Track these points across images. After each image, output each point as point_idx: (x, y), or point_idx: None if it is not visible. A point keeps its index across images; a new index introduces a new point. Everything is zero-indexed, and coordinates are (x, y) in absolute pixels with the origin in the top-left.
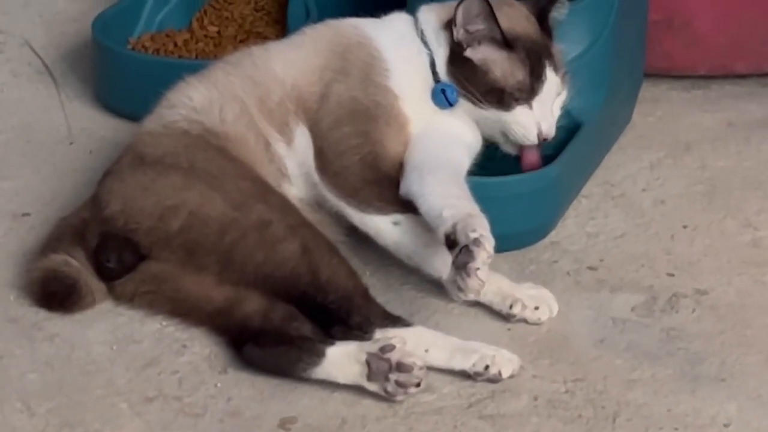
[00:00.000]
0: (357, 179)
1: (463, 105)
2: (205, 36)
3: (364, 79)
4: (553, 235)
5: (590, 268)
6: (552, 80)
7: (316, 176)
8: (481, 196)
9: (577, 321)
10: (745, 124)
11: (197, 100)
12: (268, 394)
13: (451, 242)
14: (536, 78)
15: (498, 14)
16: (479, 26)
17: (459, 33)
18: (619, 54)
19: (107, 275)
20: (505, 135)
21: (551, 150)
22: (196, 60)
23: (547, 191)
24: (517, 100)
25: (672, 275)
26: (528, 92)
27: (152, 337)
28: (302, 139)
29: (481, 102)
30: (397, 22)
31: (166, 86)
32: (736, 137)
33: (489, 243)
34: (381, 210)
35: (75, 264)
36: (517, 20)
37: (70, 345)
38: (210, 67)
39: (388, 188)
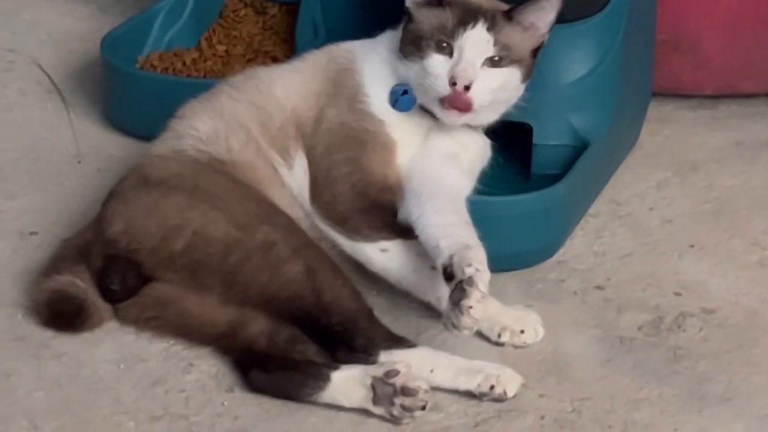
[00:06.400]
0: (347, 207)
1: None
2: (214, 55)
3: (351, 105)
4: (560, 254)
5: (597, 287)
6: (480, 34)
7: (308, 205)
8: (487, 216)
9: (584, 340)
10: (752, 143)
11: (203, 131)
12: (275, 413)
13: (448, 275)
14: (460, 24)
15: None
16: None
17: (407, 2)
18: (627, 74)
19: (112, 298)
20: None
21: (559, 169)
22: (204, 79)
23: (555, 210)
24: (437, 44)
25: (679, 294)
26: (447, 34)
27: (159, 355)
28: (301, 166)
29: (406, 56)
30: (382, 42)
31: (175, 105)
32: (743, 157)
33: (482, 281)
34: (369, 238)
35: (81, 284)
36: None
37: (78, 363)
38: (214, 91)
39: (377, 215)
